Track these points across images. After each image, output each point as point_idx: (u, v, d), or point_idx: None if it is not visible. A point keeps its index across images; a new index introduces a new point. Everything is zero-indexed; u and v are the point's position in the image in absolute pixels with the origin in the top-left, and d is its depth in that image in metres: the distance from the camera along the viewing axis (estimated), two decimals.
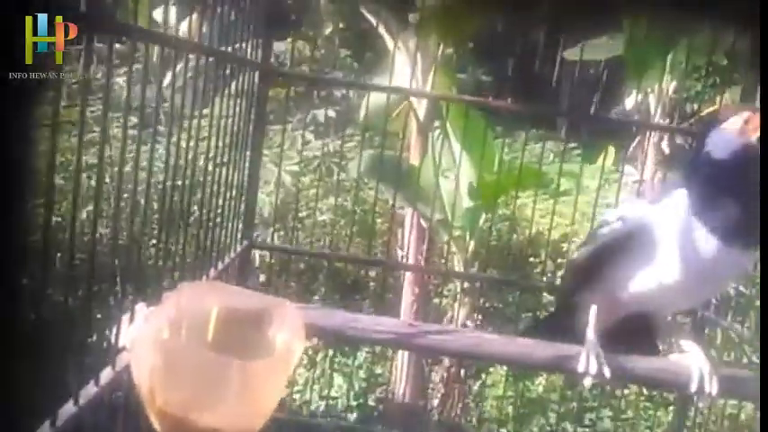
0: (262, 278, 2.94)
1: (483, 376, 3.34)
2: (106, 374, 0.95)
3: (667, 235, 1.13)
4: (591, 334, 1.20)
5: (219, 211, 1.45)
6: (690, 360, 1.19)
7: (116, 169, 0.96)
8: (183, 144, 1.15)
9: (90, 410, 0.88)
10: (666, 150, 3.64)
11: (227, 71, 1.43)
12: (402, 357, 3.07)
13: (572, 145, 4.11)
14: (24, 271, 0.72)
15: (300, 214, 3.18)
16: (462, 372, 3.24)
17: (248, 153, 1.65)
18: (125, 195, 1.00)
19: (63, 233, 0.88)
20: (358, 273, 3.36)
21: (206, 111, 1.26)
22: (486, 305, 3.36)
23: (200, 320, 0.84)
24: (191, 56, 1.26)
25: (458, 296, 3.16)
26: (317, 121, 3.44)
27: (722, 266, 1.13)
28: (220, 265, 1.48)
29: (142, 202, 1.03)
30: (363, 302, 3.47)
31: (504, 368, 3.12)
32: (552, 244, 3.67)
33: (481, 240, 3.32)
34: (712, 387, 1.15)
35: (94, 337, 0.99)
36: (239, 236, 1.68)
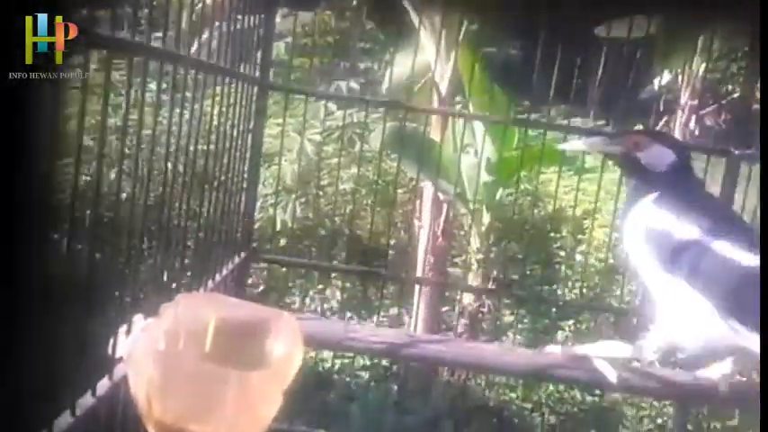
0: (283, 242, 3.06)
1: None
2: (103, 385, 0.91)
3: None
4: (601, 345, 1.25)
5: (219, 218, 1.42)
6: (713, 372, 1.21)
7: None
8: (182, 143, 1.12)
9: (87, 421, 0.85)
10: (696, 131, 3.59)
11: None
12: (417, 314, 3.18)
13: (600, 122, 4.07)
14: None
15: (322, 182, 3.28)
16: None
17: (246, 162, 1.59)
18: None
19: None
20: (378, 240, 3.46)
21: (206, 108, 1.23)
22: (502, 277, 3.42)
23: (197, 331, 0.83)
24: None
25: (472, 267, 3.24)
26: (340, 93, 3.49)
27: None
28: (218, 277, 1.44)
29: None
30: (381, 269, 3.55)
31: (517, 337, 3.19)
32: (575, 220, 3.69)
33: (498, 215, 3.36)
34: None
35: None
36: (238, 247, 1.61)
